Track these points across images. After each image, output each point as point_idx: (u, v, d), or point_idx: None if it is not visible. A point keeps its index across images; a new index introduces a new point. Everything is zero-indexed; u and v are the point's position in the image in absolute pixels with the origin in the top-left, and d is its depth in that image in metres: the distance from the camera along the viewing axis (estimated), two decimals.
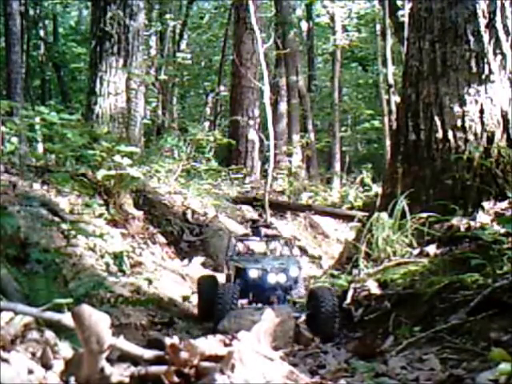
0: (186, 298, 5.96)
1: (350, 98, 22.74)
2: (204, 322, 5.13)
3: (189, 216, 8.45)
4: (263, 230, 5.99)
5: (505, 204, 5.33)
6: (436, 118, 5.82)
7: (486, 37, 5.75)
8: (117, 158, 6.84)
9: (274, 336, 3.20)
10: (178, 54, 17.38)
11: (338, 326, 4.37)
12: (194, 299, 5.94)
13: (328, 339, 4.28)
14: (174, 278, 6.53)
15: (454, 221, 5.23)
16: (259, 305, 4.84)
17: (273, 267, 4.95)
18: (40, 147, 8.95)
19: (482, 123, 5.69)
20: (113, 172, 6.91)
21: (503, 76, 5.76)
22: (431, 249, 5.13)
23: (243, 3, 13.78)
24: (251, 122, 14.38)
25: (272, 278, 4.86)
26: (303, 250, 8.94)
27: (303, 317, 4.53)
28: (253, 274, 4.90)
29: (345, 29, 19.25)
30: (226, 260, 5.73)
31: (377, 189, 11.22)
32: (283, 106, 15.82)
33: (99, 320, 2.05)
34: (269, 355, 2.29)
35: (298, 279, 5.04)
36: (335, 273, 5.44)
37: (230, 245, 5.75)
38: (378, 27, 18.23)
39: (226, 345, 2.18)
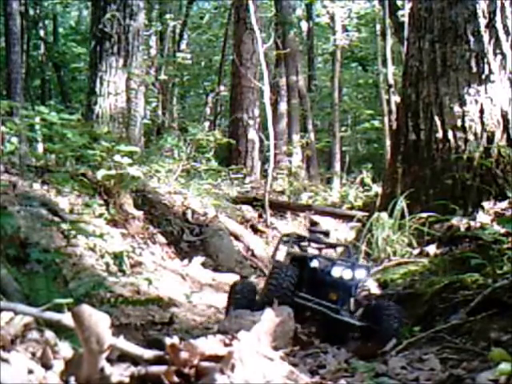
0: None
1: (349, 98, 22.73)
2: None
3: (189, 216, 8.45)
4: (321, 237, 5.26)
5: (505, 204, 5.34)
6: (436, 118, 5.82)
7: (486, 37, 5.75)
8: (117, 157, 6.84)
9: (273, 336, 3.19)
10: (177, 54, 17.38)
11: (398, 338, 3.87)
12: (194, 299, 5.93)
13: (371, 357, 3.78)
14: (174, 278, 6.53)
15: (454, 221, 5.24)
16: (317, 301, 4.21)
17: (340, 259, 4.43)
18: (40, 147, 8.95)
19: (482, 123, 5.70)
20: (113, 172, 6.92)
21: (503, 76, 5.76)
22: (431, 249, 5.14)
23: (243, 3, 13.78)
24: (251, 122, 14.38)
25: (337, 271, 4.22)
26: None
27: (360, 324, 4.11)
28: (315, 263, 4.31)
29: (345, 29, 19.24)
30: (271, 262, 5.03)
31: (377, 189, 11.21)
32: (283, 106, 15.82)
33: (99, 320, 2.05)
34: (269, 355, 2.29)
35: (365, 282, 4.48)
36: None
37: (277, 246, 5.09)
38: (378, 27, 18.22)
39: (226, 345, 2.17)
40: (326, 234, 5.35)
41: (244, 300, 4.59)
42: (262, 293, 4.38)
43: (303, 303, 4.14)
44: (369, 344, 3.94)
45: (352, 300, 4.28)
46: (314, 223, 5.94)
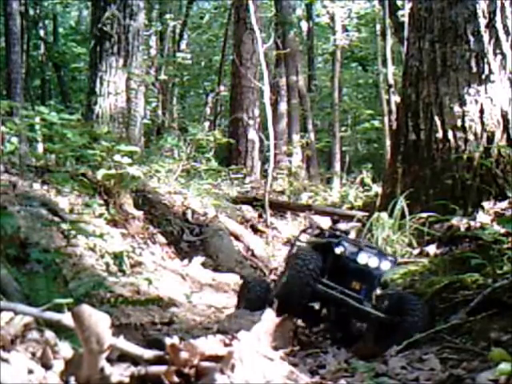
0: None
1: (350, 98, 22.74)
2: None
3: (189, 216, 8.45)
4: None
5: (505, 204, 5.34)
6: (436, 118, 5.82)
7: (486, 37, 5.75)
8: (117, 157, 6.84)
9: (273, 336, 3.19)
10: (178, 54, 17.39)
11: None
12: (194, 299, 5.93)
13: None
14: (174, 278, 6.53)
15: (454, 221, 5.24)
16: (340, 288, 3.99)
17: (367, 245, 4.15)
18: (40, 147, 8.94)
19: (482, 123, 5.70)
20: (113, 172, 6.92)
21: (503, 76, 5.76)
22: (431, 249, 5.14)
23: (243, 3, 13.78)
24: (251, 122, 14.38)
25: (363, 258, 3.99)
26: None
27: (383, 316, 3.94)
28: (340, 248, 4.03)
29: (345, 29, 19.24)
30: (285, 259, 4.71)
31: (377, 189, 11.21)
32: (283, 106, 15.82)
33: (99, 320, 2.05)
34: (269, 355, 2.29)
35: (381, 278, 4.18)
36: None
37: (299, 235, 4.87)
38: (378, 27, 18.21)
39: (226, 345, 2.18)
40: (346, 233, 5.08)
41: (257, 299, 4.45)
42: (279, 282, 4.07)
43: (325, 291, 3.92)
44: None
45: (374, 292, 4.10)
46: (335, 221, 5.57)
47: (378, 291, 4.25)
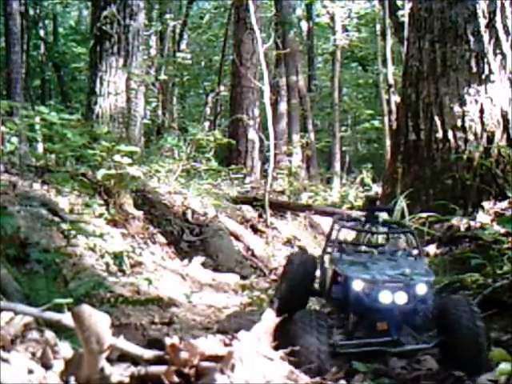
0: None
1: (350, 98, 22.73)
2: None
3: (189, 216, 8.45)
4: (381, 217, 4.32)
5: (505, 204, 5.34)
6: (436, 118, 5.82)
7: (486, 37, 5.75)
8: (117, 157, 6.84)
9: (273, 336, 3.19)
10: (178, 54, 17.39)
11: (486, 354, 3.04)
12: (194, 299, 5.93)
13: (476, 372, 3.07)
14: (174, 278, 6.53)
15: (454, 221, 5.24)
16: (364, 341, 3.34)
17: (388, 279, 3.35)
18: (40, 147, 8.94)
19: (482, 123, 5.70)
20: (113, 172, 6.91)
21: (503, 76, 5.76)
22: (431, 249, 5.14)
23: (243, 3, 13.78)
24: (251, 122, 14.38)
25: (385, 298, 3.27)
26: (303, 250, 8.94)
27: (431, 346, 3.35)
28: (357, 285, 3.35)
29: (345, 29, 19.24)
30: (320, 256, 4.16)
31: (377, 189, 11.21)
32: (283, 106, 15.81)
33: (99, 320, 2.05)
34: (269, 355, 2.29)
35: (427, 299, 3.33)
36: None
37: (330, 233, 4.16)
38: (378, 27, 18.22)
39: (226, 345, 2.18)
40: (388, 210, 4.54)
41: (300, 281, 3.94)
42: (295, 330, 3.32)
43: (350, 352, 3.33)
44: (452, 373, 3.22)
45: (416, 318, 3.35)
46: (372, 200, 4.81)
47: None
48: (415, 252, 3.76)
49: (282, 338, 3.16)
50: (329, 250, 3.99)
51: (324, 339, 3.19)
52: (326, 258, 3.95)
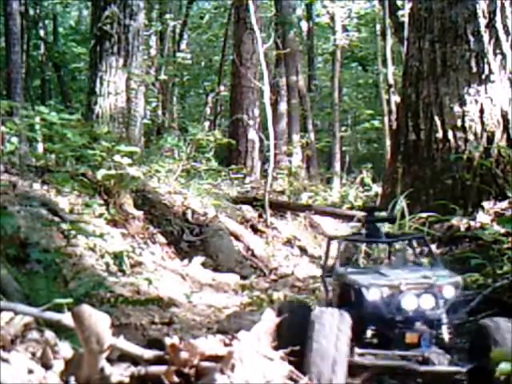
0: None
1: (350, 98, 22.72)
2: None
3: (189, 216, 8.44)
4: (382, 228, 3.88)
5: (505, 204, 5.34)
6: (436, 118, 5.83)
7: (486, 37, 5.76)
8: (117, 157, 6.84)
9: (273, 336, 3.19)
10: (178, 54, 17.38)
11: None
12: (194, 299, 5.93)
13: None
14: (174, 278, 6.53)
15: (454, 221, 5.24)
16: (386, 353, 2.89)
17: (410, 282, 2.96)
18: (40, 147, 8.94)
19: (482, 123, 5.70)
20: (113, 172, 6.92)
21: (503, 76, 5.77)
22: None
23: (243, 3, 13.77)
24: (251, 122, 14.38)
25: (410, 303, 2.89)
26: (303, 250, 8.94)
27: (463, 370, 2.86)
28: (373, 294, 2.94)
29: (345, 29, 19.24)
30: (322, 276, 3.73)
31: (377, 189, 11.21)
32: (283, 106, 15.81)
33: (99, 320, 2.05)
34: (269, 355, 2.29)
35: (456, 305, 3.03)
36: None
37: (327, 252, 3.74)
38: (378, 27, 18.22)
39: (226, 345, 2.18)
40: (390, 220, 4.07)
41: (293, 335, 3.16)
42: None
43: (368, 364, 2.88)
44: None
45: (444, 329, 2.96)
46: (370, 209, 4.18)
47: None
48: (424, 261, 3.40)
49: (290, 337, 2.92)
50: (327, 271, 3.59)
51: (343, 346, 2.71)
52: (328, 279, 3.54)
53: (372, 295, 2.95)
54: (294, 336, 2.94)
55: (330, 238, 3.87)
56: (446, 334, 2.96)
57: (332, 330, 2.74)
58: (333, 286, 3.37)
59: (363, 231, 3.74)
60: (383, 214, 4.37)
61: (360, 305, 2.98)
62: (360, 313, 2.98)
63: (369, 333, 2.99)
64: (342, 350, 2.68)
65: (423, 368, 2.82)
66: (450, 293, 2.94)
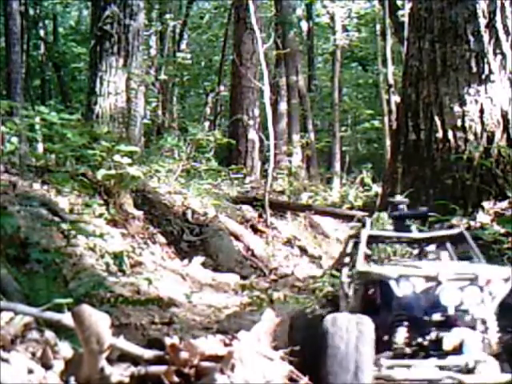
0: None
1: (350, 98, 22.71)
2: None
3: (189, 216, 8.45)
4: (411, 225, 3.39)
5: (505, 204, 5.34)
6: (436, 118, 5.82)
7: (486, 37, 5.76)
8: (117, 157, 6.84)
9: (273, 336, 3.19)
10: (178, 54, 17.39)
11: None
12: (194, 299, 5.92)
13: None
14: (174, 278, 6.53)
15: (454, 221, 5.24)
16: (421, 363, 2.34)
17: (451, 273, 2.48)
18: (40, 147, 8.94)
19: (482, 123, 5.70)
20: (113, 172, 6.92)
21: (503, 76, 5.76)
22: (431, 249, 5.13)
23: (243, 3, 13.77)
24: (251, 122, 14.38)
25: (451, 298, 2.41)
26: (303, 250, 8.95)
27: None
28: (404, 288, 2.47)
29: (345, 29, 19.24)
30: (341, 281, 3.18)
31: (377, 189, 11.21)
32: (283, 106, 15.81)
33: (99, 320, 2.05)
34: (269, 355, 2.29)
35: (508, 302, 2.54)
36: (335, 273, 5.43)
37: (344, 252, 3.33)
38: (378, 27, 18.22)
39: (226, 345, 2.18)
40: (422, 216, 3.46)
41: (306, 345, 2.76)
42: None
43: (399, 379, 2.35)
44: None
45: (492, 332, 2.44)
46: (394, 204, 3.58)
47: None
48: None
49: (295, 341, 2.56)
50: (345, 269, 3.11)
51: (366, 360, 2.18)
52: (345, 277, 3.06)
53: (402, 289, 2.44)
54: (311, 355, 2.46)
55: (350, 237, 3.36)
56: (493, 337, 2.48)
57: (351, 332, 2.26)
58: (354, 288, 2.87)
59: (390, 230, 3.14)
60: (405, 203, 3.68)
61: (387, 304, 2.48)
62: (387, 315, 2.46)
63: (399, 339, 2.46)
64: (365, 353, 2.20)
65: (468, 380, 2.34)
66: (499, 288, 2.42)
